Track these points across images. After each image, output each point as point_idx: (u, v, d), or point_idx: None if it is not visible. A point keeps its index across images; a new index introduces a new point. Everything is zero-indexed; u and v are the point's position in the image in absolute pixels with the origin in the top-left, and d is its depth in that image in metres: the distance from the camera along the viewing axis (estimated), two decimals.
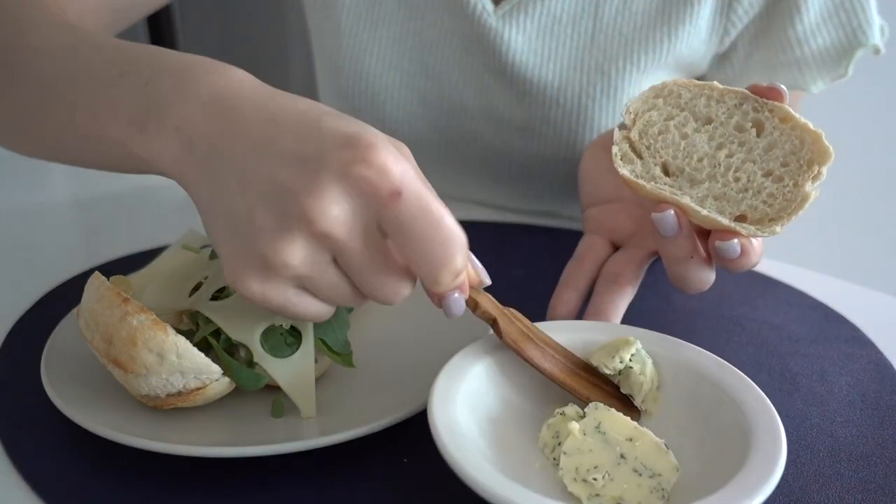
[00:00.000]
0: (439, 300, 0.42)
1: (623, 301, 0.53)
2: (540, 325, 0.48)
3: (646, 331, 0.48)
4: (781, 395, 0.52)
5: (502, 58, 0.74)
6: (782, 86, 0.46)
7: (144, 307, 0.45)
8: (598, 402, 0.44)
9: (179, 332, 0.45)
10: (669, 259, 0.48)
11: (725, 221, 0.44)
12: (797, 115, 0.45)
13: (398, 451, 0.46)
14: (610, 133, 0.57)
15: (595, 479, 0.40)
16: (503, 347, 0.46)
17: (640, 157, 0.47)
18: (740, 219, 0.45)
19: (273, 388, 0.47)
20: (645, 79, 0.74)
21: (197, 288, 0.51)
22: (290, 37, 1.93)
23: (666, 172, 0.47)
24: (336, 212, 0.37)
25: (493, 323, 0.45)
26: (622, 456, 0.41)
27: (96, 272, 0.48)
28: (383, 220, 0.38)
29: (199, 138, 0.40)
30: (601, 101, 0.74)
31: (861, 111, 1.49)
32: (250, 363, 0.47)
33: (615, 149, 0.47)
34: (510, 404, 0.46)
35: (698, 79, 0.80)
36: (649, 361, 0.46)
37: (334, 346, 0.49)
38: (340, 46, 0.80)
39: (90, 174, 0.77)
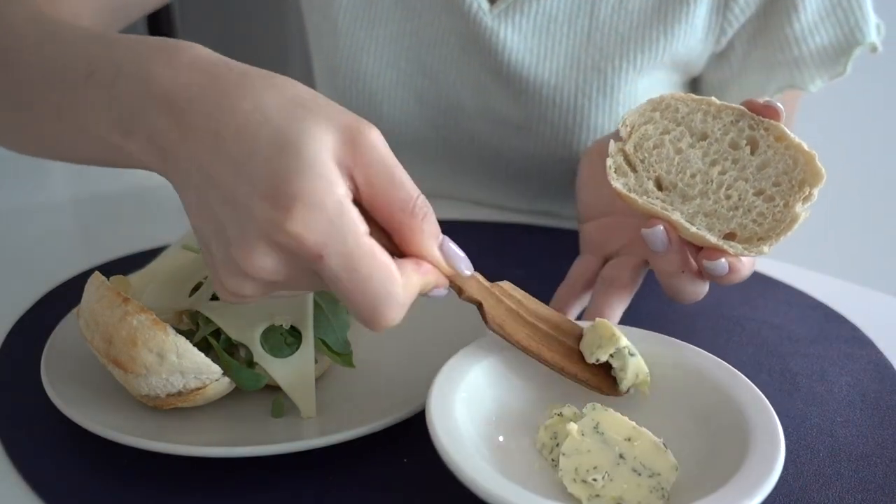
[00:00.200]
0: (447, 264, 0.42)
1: (620, 304, 0.54)
2: None
3: (646, 331, 0.48)
4: (781, 395, 0.52)
5: (498, 56, 0.74)
6: (779, 104, 0.46)
7: (144, 307, 0.45)
8: (594, 403, 0.44)
9: (179, 332, 0.45)
10: (661, 273, 0.49)
11: (714, 240, 0.45)
12: (792, 135, 0.45)
13: (398, 451, 0.46)
14: (606, 139, 0.57)
15: (594, 480, 0.40)
16: (502, 348, 0.46)
17: (634, 170, 0.47)
18: (730, 236, 0.45)
19: (273, 388, 0.47)
20: (641, 77, 0.74)
21: (197, 288, 0.51)
22: (290, 37, 1.93)
23: (659, 186, 0.47)
24: (267, 263, 0.38)
25: (479, 307, 0.44)
26: (621, 456, 0.41)
27: (96, 272, 0.48)
28: (314, 269, 0.38)
29: (167, 147, 0.40)
30: (597, 99, 0.74)
31: (861, 111, 1.49)
32: (250, 363, 0.47)
33: (609, 161, 0.47)
34: (509, 405, 0.46)
35: (695, 78, 0.80)
36: (632, 360, 0.45)
37: (334, 346, 0.49)
38: (337, 46, 0.80)
39: (90, 174, 0.77)
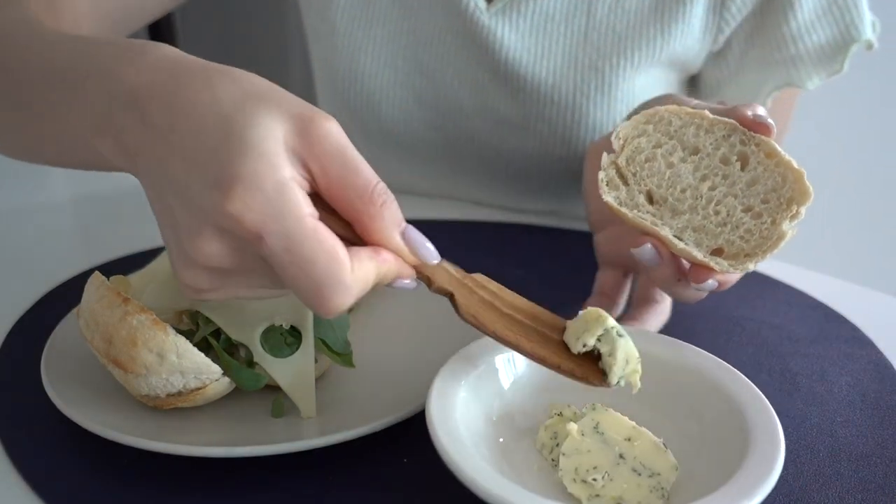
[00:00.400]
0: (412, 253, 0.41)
1: (658, 319, 0.55)
2: None
3: (646, 331, 0.48)
4: (781, 395, 0.52)
5: (496, 55, 0.75)
6: (769, 120, 0.46)
7: (144, 307, 0.45)
8: (594, 403, 0.44)
9: (179, 332, 0.45)
10: (658, 283, 0.49)
11: (700, 256, 0.45)
12: (782, 152, 0.45)
13: (398, 451, 0.46)
14: (606, 138, 0.57)
15: (594, 480, 0.40)
16: (502, 347, 0.46)
17: (626, 183, 0.48)
18: (717, 252, 0.46)
19: (273, 388, 0.47)
20: (639, 76, 0.74)
21: None
22: (290, 37, 1.93)
23: (650, 200, 0.47)
24: (213, 249, 0.38)
25: (451, 298, 0.43)
26: (621, 456, 0.41)
27: (96, 272, 0.48)
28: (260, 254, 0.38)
29: (131, 145, 0.40)
30: (595, 97, 0.74)
31: (860, 111, 1.49)
32: (250, 363, 0.47)
33: (602, 174, 0.47)
34: (509, 405, 0.46)
35: (693, 77, 0.80)
36: (621, 341, 0.43)
37: (334, 346, 0.49)
38: (336, 47, 0.80)
39: (90, 174, 0.77)
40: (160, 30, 1.83)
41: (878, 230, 1.57)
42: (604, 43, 0.73)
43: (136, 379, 0.44)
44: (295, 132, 0.38)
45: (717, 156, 0.46)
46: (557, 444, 0.43)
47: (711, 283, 0.46)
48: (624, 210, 0.47)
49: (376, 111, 0.81)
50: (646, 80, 0.75)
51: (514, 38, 0.74)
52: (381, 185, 0.39)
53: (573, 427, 0.42)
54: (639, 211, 0.47)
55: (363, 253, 0.39)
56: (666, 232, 0.46)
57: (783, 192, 0.45)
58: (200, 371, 0.45)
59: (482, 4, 0.74)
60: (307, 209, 0.37)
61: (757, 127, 0.46)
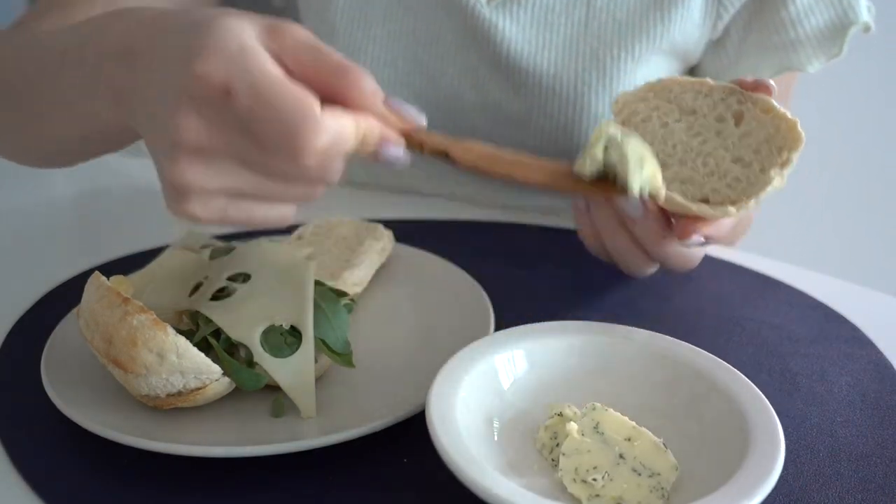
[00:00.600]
0: (374, 159, 0.42)
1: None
2: (539, 326, 0.48)
3: (646, 331, 0.48)
4: (781, 395, 0.52)
5: (497, 49, 0.75)
6: (770, 81, 0.46)
7: (144, 307, 0.45)
8: (594, 403, 0.44)
9: (179, 332, 0.45)
10: (645, 241, 0.48)
11: (680, 198, 0.44)
12: (779, 107, 0.45)
13: (398, 451, 0.46)
14: None
15: (594, 480, 0.40)
16: (502, 347, 0.46)
17: None
18: (703, 202, 0.45)
19: (273, 388, 0.47)
20: (640, 66, 0.74)
21: (197, 288, 0.51)
22: None
23: None
24: (192, 122, 0.38)
25: (446, 155, 0.42)
26: (621, 456, 0.41)
27: (96, 272, 0.48)
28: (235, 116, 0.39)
29: (122, 88, 0.43)
30: (597, 88, 0.74)
31: (862, 111, 1.49)
32: (250, 363, 0.47)
33: (595, 130, 0.47)
34: (509, 405, 0.46)
35: (694, 67, 0.80)
36: (628, 140, 0.41)
37: (334, 346, 0.49)
38: (335, 47, 0.81)
39: (91, 173, 0.77)
40: None
41: (878, 230, 1.57)
42: (604, 32, 0.74)
43: (136, 379, 0.44)
44: (265, 31, 0.40)
45: (712, 115, 0.46)
46: (557, 444, 0.43)
47: (697, 238, 0.45)
48: None
49: None
50: (647, 71, 0.75)
51: (515, 30, 0.74)
52: (357, 65, 0.40)
53: (573, 427, 0.42)
54: None
55: (337, 107, 0.39)
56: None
57: (776, 142, 0.45)
58: (200, 371, 0.45)
59: None
60: (272, 65, 0.38)
61: (756, 87, 0.46)
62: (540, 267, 0.69)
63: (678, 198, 0.45)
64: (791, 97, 0.83)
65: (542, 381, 0.46)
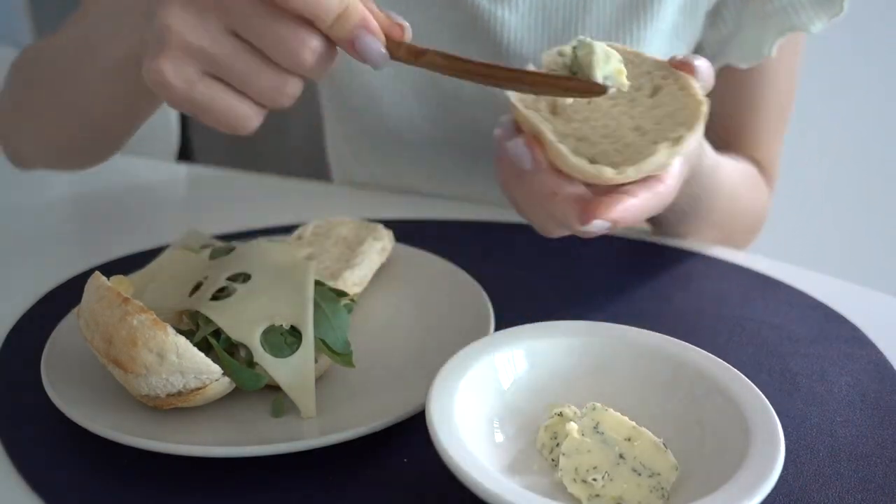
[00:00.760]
0: (351, 45, 0.43)
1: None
2: (539, 326, 0.48)
3: (646, 331, 0.48)
4: (781, 395, 0.52)
5: (497, 38, 0.75)
6: (697, 61, 0.46)
7: (144, 307, 0.45)
8: (594, 403, 0.44)
9: (179, 332, 0.45)
10: (532, 196, 0.47)
11: (563, 149, 0.44)
12: (695, 85, 0.45)
13: (398, 451, 0.46)
14: None
15: (594, 480, 0.40)
16: (502, 347, 0.46)
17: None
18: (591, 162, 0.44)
19: (273, 388, 0.47)
20: (641, 48, 0.74)
21: (197, 288, 0.51)
22: None
23: (553, 112, 0.47)
24: (177, 13, 0.41)
25: (423, 55, 0.44)
26: (621, 456, 0.41)
27: (96, 272, 0.48)
28: None
29: (148, 11, 0.45)
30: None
31: (862, 111, 1.49)
32: (250, 363, 0.47)
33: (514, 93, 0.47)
34: (509, 405, 0.46)
35: (697, 44, 0.80)
36: (597, 44, 0.43)
37: (334, 346, 0.49)
38: None
39: (91, 174, 0.77)
40: None
41: (878, 230, 1.57)
42: (603, 15, 0.74)
43: (136, 379, 0.44)
44: None
45: (633, 84, 0.46)
46: (557, 444, 0.43)
47: (599, 223, 0.44)
48: (518, 104, 0.46)
49: (377, 109, 0.81)
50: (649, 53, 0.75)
51: (514, 19, 0.75)
52: None
53: (573, 427, 0.42)
54: (539, 113, 0.46)
55: None
56: (547, 128, 0.45)
57: (677, 118, 0.44)
58: (200, 371, 0.45)
59: None
60: None
61: (681, 65, 0.46)
62: (540, 267, 0.69)
63: (562, 149, 0.44)
64: (799, 56, 0.81)
65: (542, 381, 0.46)
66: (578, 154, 0.44)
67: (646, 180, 0.45)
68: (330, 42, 0.43)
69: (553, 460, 0.43)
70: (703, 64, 0.46)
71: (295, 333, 0.48)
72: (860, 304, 0.64)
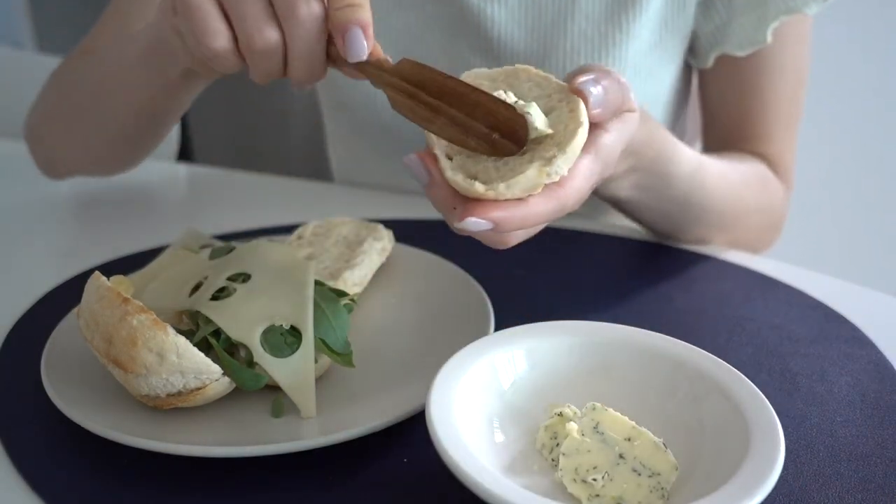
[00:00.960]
0: (343, 32, 0.46)
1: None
2: (539, 326, 0.48)
3: (646, 331, 0.48)
4: (781, 395, 0.52)
5: (487, 34, 0.76)
6: (590, 89, 0.46)
7: (144, 307, 0.45)
8: (594, 403, 0.44)
9: (179, 332, 0.45)
10: (440, 210, 0.47)
11: (444, 161, 0.45)
12: (581, 111, 0.45)
13: (398, 451, 0.46)
14: None
15: (594, 480, 0.40)
16: (502, 347, 0.46)
17: None
18: (471, 178, 0.45)
19: (273, 388, 0.47)
20: (631, 41, 0.74)
21: (197, 288, 0.51)
22: None
23: None
24: None
25: (391, 66, 0.48)
26: (621, 456, 0.41)
27: (96, 272, 0.48)
28: None
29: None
30: None
31: (862, 111, 1.49)
32: (250, 363, 0.47)
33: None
34: (509, 405, 0.46)
35: (691, 34, 0.79)
36: (532, 106, 0.45)
37: (334, 346, 0.49)
38: None
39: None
40: None
41: (878, 230, 1.57)
42: (592, 9, 0.74)
43: (136, 379, 0.44)
44: None
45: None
46: (557, 444, 0.43)
47: (474, 220, 0.43)
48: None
49: (372, 107, 0.82)
50: (639, 46, 0.75)
51: (504, 14, 0.75)
52: None
53: (573, 427, 0.42)
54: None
55: None
56: (439, 144, 0.46)
57: (555, 139, 0.45)
58: (200, 371, 0.45)
59: None
60: None
61: (576, 92, 0.46)
62: (540, 267, 0.69)
63: (442, 162, 0.45)
64: (806, 47, 0.80)
65: (542, 381, 0.46)
66: (464, 169, 0.45)
67: (547, 187, 0.45)
68: (324, 27, 0.47)
69: (553, 460, 0.43)
70: (598, 91, 0.46)
71: (295, 333, 0.48)
72: (860, 304, 0.64)
